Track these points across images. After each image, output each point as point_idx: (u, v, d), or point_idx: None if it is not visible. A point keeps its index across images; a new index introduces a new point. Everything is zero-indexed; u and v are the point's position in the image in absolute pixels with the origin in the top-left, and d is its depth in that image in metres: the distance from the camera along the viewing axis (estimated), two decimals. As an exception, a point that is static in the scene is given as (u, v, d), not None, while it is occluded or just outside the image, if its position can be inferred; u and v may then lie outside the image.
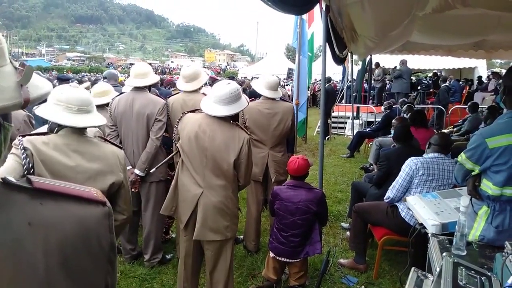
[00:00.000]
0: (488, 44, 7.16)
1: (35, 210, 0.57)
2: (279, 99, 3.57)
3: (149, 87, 3.38)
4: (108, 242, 0.66)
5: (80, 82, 8.12)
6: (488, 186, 2.08)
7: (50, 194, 0.60)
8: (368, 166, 6.35)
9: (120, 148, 1.98)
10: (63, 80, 6.65)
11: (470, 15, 4.37)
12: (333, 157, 7.85)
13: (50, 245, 0.56)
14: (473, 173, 2.18)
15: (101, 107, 3.22)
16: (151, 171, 3.12)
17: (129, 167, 3.15)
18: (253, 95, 4.59)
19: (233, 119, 2.63)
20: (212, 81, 5.97)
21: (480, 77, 14.32)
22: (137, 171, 3.15)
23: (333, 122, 10.83)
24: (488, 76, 14.76)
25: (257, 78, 3.74)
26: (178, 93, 3.53)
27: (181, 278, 2.66)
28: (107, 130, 3.20)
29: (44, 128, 2.18)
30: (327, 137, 9.65)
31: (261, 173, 3.48)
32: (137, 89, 3.22)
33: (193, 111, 2.58)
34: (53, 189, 0.61)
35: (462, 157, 2.22)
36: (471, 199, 2.24)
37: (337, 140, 9.77)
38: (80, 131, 1.84)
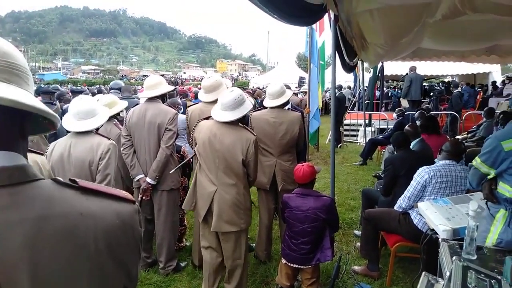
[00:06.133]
0: (500, 49, 7.09)
1: (84, 203, 0.68)
2: (288, 108, 3.61)
3: (162, 98, 3.48)
4: (139, 234, 0.77)
5: (96, 94, 8.33)
6: (505, 189, 2.06)
7: (93, 192, 0.71)
8: (381, 173, 6.32)
9: (41, 154, 1.97)
10: (76, 92, 6.89)
11: (481, 21, 4.35)
12: (346, 165, 7.83)
13: (98, 232, 0.67)
14: (488, 177, 2.17)
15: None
16: (170, 172, 3.23)
17: (141, 175, 3.25)
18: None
19: (241, 122, 2.84)
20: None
21: (494, 82, 14.13)
22: (148, 179, 3.22)
23: (345, 130, 10.80)
24: (503, 81, 14.56)
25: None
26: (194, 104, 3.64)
27: (207, 271, 2.90)
28: (122, 140, 3.29)
29: None
30: (339, 145, 9.62)
31: (268, 182, 3.49)
32: (150, 100, 3.32)
33: (206, 118, 2.86)
34: (95, 188, 0.72)
35: (477, 161, 2.22)
36: (486, 203, 2.22)
37: (349, 148, 9.74)
38: None
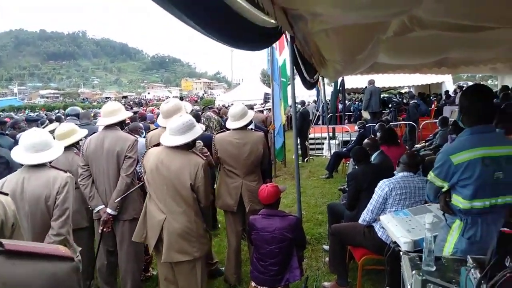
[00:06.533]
0: (449, 61, 7.53)
1: (8, 270, 0.63)
2: (251, 128, 3.62)
3: (121, 125, 3.40)
4: None
5: (53, 121, 7.98)
6: (458, 201, 2.15)
7: (21, 254, 0.65)
8: (346, 187, 6.42)
9: (6, 194, 1.83)
10: (31, 121, 6.47)
11: (429, 36, 4.61)
12: (313, 179, 7.92)
13: None
14: (443, 190, 2.26)
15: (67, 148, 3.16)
16: (115, 200, 3.08)
17: (101, 206, 3.13)
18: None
19: (191, 147, 2.83)
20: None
21: (447, 92, 14.89)
22: (109, 210, 3.10)
23: (311, 144, 10.97)
24: (455, 90, 15.39)
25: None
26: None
27: None
28: (80, 170, 3.17)
29: None
30: (305, 159, 9.75)
31: (235, 203, 3.47)
32: (108, 127, 3.23)
33: (157, 145, 2.83)
34: (24, 249, 0.66)
35: (431, 175, 2.31)
36: (444, 214, 2.31)
37: (315, 162, 9.87)
38: None
